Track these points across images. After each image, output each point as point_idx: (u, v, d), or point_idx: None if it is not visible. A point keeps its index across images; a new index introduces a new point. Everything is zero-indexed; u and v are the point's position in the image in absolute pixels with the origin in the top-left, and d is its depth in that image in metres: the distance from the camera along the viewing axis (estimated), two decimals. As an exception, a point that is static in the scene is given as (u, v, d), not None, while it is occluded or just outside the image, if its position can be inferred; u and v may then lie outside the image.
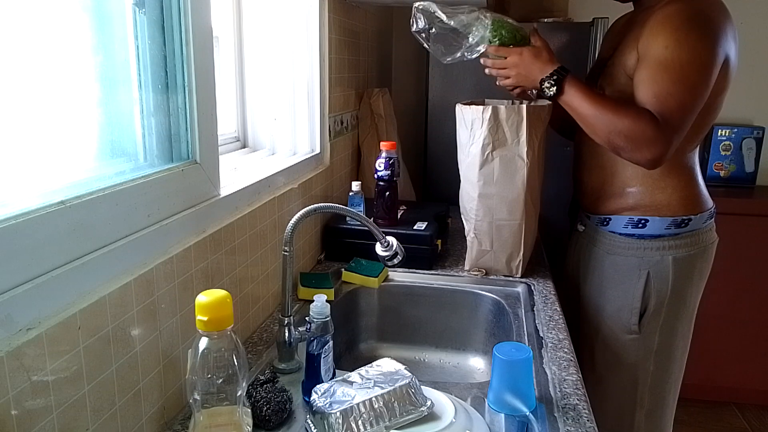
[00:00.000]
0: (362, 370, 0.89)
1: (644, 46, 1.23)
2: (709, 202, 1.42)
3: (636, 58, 1.26)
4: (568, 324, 1.26)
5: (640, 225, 1.38)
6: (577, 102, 1.26)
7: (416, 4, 1.31)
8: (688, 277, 1.39)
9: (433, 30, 1.32)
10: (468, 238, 1.49)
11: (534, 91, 1.37)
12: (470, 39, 1.31)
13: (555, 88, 1.26)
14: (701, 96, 1.20)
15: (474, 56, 1.34)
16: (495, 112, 1.35)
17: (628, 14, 1.45)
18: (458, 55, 1.33)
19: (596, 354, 1.48)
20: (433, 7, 1.30)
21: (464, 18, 1.30)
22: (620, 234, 1.41)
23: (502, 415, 0.91)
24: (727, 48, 1.22)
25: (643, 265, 1.38)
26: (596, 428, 0.89)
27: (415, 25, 1.32)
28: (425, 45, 1.34)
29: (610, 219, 1.43)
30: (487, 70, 1.38)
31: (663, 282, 1.38)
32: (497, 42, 1.31)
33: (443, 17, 1.29)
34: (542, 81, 1.28)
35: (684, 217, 1.36)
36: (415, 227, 1.56)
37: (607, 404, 1.46)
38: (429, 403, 0.84)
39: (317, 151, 1.61)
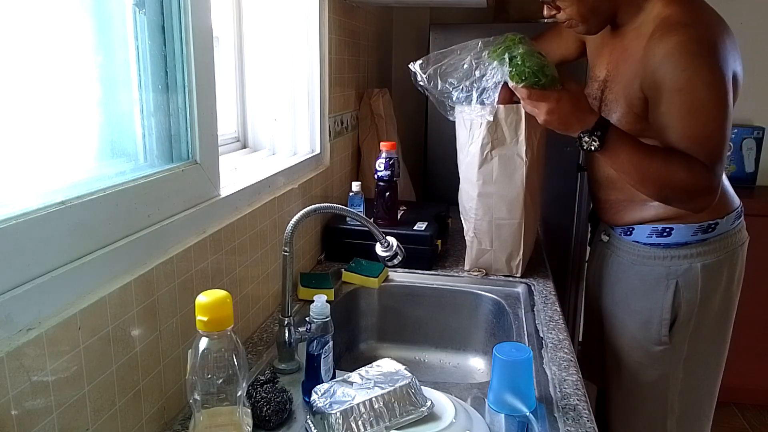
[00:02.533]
0: (362, 371, 0.89)
1: (651, 84, 1.18)
2: (736, 201, 1.36)
3: (640, 96, 1.22)
4: (590, 334, 1.23)
5: (665, 234, 1.33)
6: (623, 157, 1.18)
7: (410, 64, 1.27)
8: (717, 283, 1.34)
9: (437, 82, 1.23)
10: (467, 238, 1.49)
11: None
12: (485, 80, 1.21)
13: (598, 143, 1.16)
14: (729, 126, 1.18)
15: (490, 99, 1.24)
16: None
17: (608, 32, 1.35)
18: (468, 106, 1.26)
19: (623, 367, 1.42)
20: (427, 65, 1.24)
21: (471, 59, 1.20)
22: (644, 244, 1.36)
23: (502, 415, 0.91)
24: (733, 66, 1.18)
25: (671, 275, 1.33)
26: (596, 428, 0.89)
27: (415, 79, 1.26)
28: (432, 97, 1.29)
29: (633, 229, 1.38)
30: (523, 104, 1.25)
31: (692, 291, 1.32)
32: (522, 82, 1.18)
33: (434, 82, 1.22)
34: (582, 134, 1.18)
35: (710, 222, 1.30)
36: (415, 227, 1.56)
37: (637, 417, 1.42)
38: (429, 403, 0.84)
39: (317, 151, 1.61)
